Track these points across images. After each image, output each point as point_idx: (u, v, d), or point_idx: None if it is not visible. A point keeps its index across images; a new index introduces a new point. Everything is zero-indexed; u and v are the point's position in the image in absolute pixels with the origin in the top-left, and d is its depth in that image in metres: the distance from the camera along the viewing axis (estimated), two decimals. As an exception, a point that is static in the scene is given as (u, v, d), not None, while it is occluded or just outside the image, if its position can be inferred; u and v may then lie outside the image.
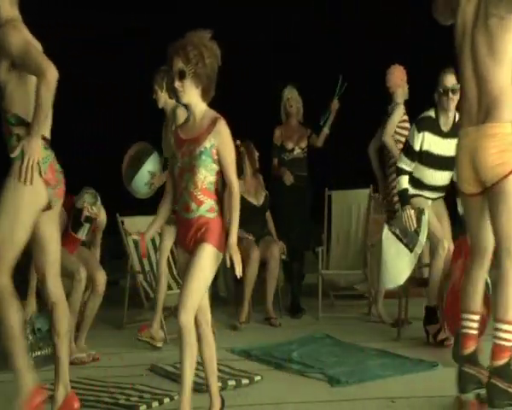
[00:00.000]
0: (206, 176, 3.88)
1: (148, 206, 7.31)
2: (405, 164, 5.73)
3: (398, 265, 5.83)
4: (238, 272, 3.90)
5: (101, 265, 5.97)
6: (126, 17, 11.01)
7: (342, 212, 7.39)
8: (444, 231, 5.80)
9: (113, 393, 4.61)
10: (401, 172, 5.75)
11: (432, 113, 5.67)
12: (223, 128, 3.91)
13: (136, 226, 6.72)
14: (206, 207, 3.90)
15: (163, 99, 6.06)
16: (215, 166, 3.90)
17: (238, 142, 7.17)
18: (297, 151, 7.33)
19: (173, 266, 6.81)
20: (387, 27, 10.60)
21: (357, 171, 8.98)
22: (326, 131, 7.41)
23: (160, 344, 5.95)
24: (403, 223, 5.72)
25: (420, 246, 5.75)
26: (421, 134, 5.63)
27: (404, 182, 5.73)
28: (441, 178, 5.75)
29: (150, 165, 6.02)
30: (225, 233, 3.94)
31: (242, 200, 6.93)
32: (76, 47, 10.47)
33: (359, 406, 4.30)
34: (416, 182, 5.77)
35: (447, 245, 5.67)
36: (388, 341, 5.87)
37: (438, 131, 5.65)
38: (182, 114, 5.69)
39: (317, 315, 6.93)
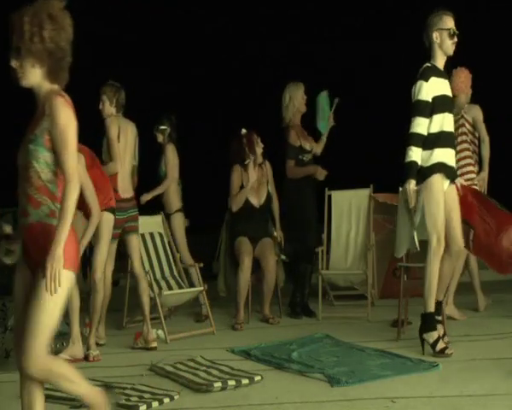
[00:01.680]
0: (41, 171, 3.15)
1: (148, 206, 7.33)
2: (421, 126, 5.41)
3: (402, 235, 5.62)
4: (49, 289, 3.04)
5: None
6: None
7: (342, 212, 7.38)
8: (454, 225, 5.46)
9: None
10: (415, 140, 5.40)
11: (427, 64, 5.51)
12: (54, 106, 3.13)
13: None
14: (45, 210, 3.17)
15: (109, 112, 6.26)
16: (53, 157, 3.16)
17: (244, 130, 7.09)
18: (313, 151, 7.28)
19: (173, 266, 6.81)
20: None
21: (358, 171, 9.00)
22: (324, 140, 7.38)
23: (154, 344, 5.95)
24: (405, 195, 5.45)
25: (413, 227, 5.51)
26: (429, 82, 5.43)
27: (416, 154, 5.39)
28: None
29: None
30: (77, 243, 3.20)
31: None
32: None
33: (359, 406, 4.30)
34: (437, 138, 5.43)
35: (443, 241, 5.36)
36: (388, 341, 5.87)
37: (440, 74, 5.51)
38: (114, 127, 6.12)
39: (317, 315, 6.93)
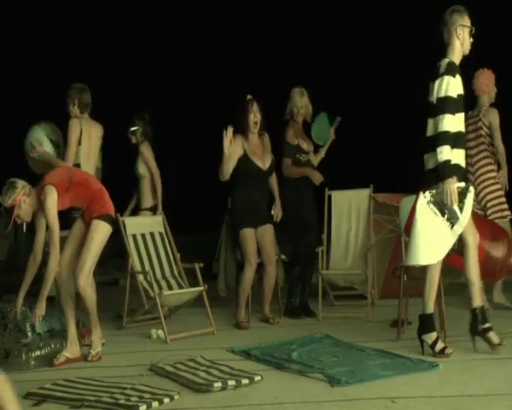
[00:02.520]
0: None
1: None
2: (450, 124, 5.11)
3: (435, 240, 5.20)
4: None
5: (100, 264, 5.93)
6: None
7: (342, 212, 7.38)
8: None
9: (113, 393, 4.60)
10: (445, 138, 5.10)
11: (448, 59, 5.26)
12: None
13: (136, 226, 6.75)
14: None
15: (74, 113, 6.45)
16: None
17: (249, 96, 7.00)
18: (310, 153, 7.24)
19: (173, 266, 6.82)
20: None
21: (358, 171, 9.00)
22: (323, 154, 7.38)
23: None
24: (443, 197, 5.13)
25: (460, 225, 5.16)
26: (457, 77, 5.20)
27: (448, 152, 5.10)
28: None
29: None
30: None
31: (247, 160, 6.85)
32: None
33: (359, 406, 4.29)
34: (455, 138, 5.17)
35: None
36: (388, 341, 5.86)
37: (459, 71, 5.28)
38: (74, 130, 6.33)
39: (317, 315, 6.93)
